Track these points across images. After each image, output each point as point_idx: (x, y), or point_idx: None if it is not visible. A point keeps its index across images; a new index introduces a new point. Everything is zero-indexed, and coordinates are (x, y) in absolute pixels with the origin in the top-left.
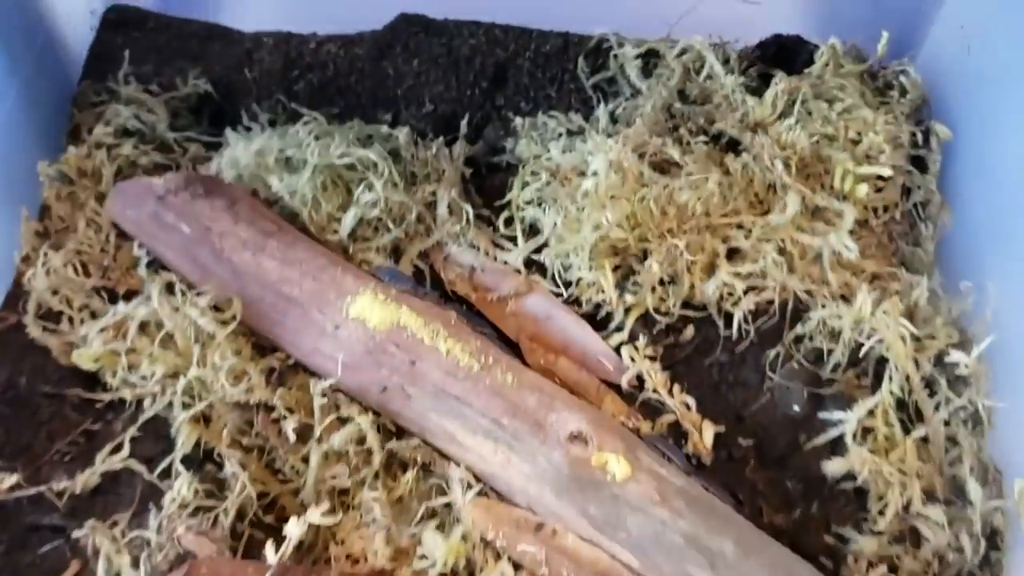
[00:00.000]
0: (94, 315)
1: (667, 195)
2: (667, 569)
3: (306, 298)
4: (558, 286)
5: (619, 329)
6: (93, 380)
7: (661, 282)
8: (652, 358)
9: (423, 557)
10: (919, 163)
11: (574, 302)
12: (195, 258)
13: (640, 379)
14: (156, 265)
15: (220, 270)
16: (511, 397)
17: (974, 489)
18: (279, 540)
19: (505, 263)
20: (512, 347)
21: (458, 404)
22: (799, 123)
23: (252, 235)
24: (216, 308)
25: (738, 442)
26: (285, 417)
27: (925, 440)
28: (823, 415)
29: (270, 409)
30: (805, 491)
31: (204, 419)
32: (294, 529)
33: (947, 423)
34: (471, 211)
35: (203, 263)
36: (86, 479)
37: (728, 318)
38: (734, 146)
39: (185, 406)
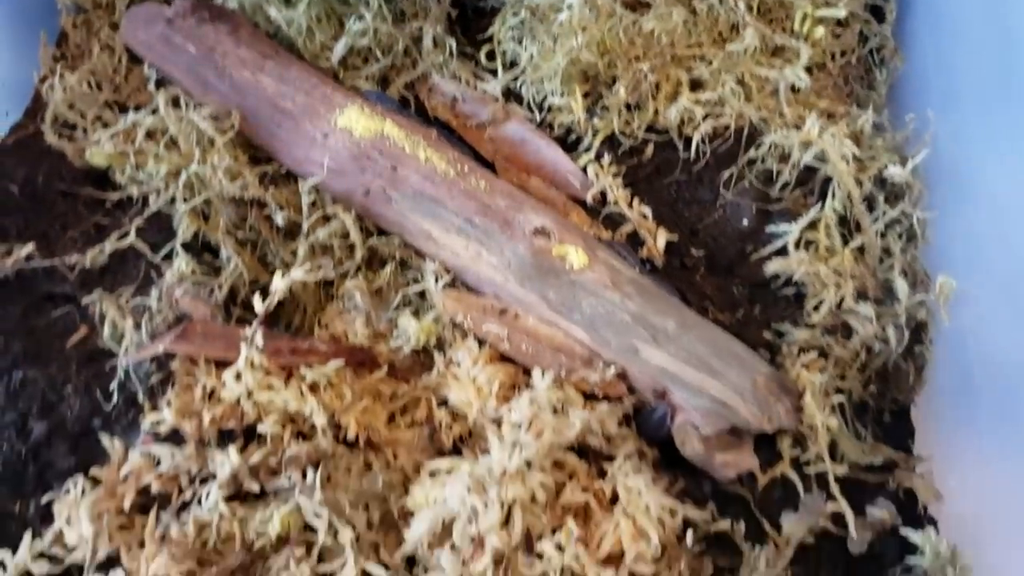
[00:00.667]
0: (106, 125)
1: (636, 27)
2: (615, 343)
3: (299, 111)
4: (532, 112)
5: (587, 150)
6: (104, 181)
7: (627, 107)
8: (615, 176)
9: (398, 338)
10: (877, 13)
11: (547, 126)
12: (200, 76)
13: (603, 195)
14: (165, 83)
15: (222, 86)
16: (483, 199)
17: (901, 287)
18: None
19: (485, 92)
20: (489, 167)
21: (434, 205)
22: None
23: (252, 56)
24: (217, 119)
25: (691, 252)
26: (276, 211)
27: (862, 250)
28: (770, 228)
29: (262, 205)
30: (750, 295)
31: (203, 216)
32: (279, 283)
33: (883, 235)
34: (454, 44)
35: (207, 80)
36: (95, 255)
37: (687, 141)
38: None
39: (186, 200)
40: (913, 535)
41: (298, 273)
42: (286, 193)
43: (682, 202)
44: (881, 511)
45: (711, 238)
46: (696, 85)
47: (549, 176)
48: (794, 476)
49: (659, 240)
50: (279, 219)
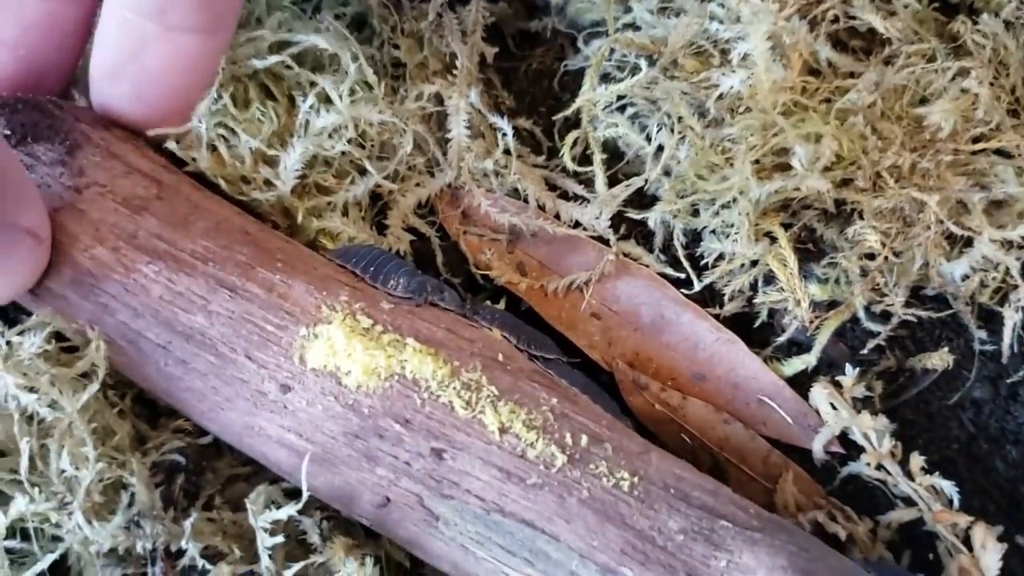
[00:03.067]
0: None
1: (882, 101)
2: None
3: (222, 333)
4: (676, 267)
5: (800, 347)
6: None
7: (871, 258)
8: (864, 400)
9: None
10: None
11: (709, 296)
12: None
13: (845, 440)
14: None
15: (56, 282)
16: (634, 519)
17: None
18: None
19: (576, 224)
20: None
21: (531, 534)
22: None
23: (109, 210)
24: (66, 348)
25: (1015, 543)
26: (206, 571)
27: None
28: None
29: (176, 556)
30: None
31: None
32: None
33: None
34: (509, 128)
35: None
36: None
37: (989, 320)
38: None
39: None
40: None
41: None
42: (224, 515)
43: (987, 441)
44: None
45: None
46: (996, 208)
47: (725, 397)
48: None
49: (985, 553)
50: None
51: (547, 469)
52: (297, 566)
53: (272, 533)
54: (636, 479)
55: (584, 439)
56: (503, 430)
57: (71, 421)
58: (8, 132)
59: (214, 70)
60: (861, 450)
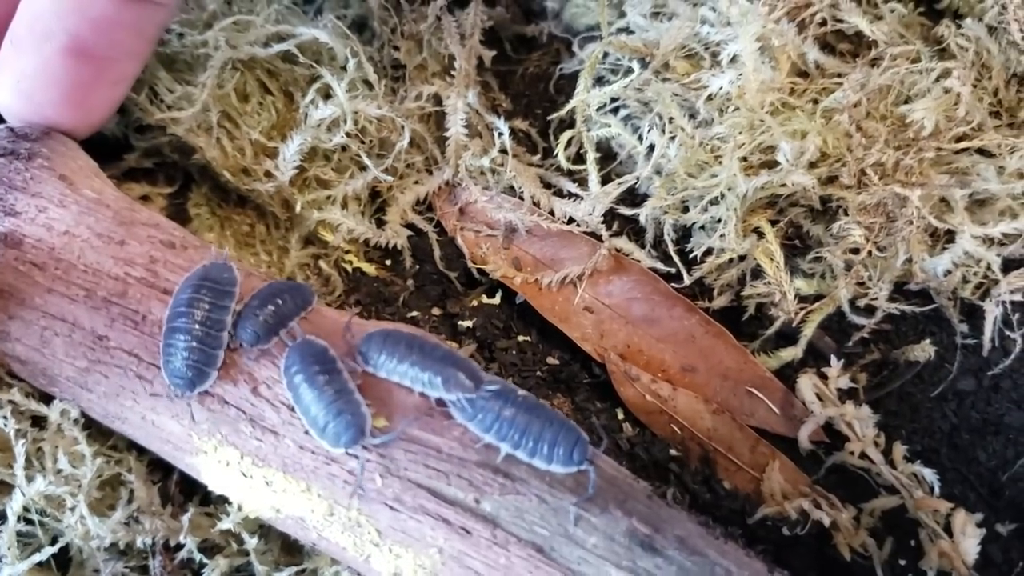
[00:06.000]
0: None
1: (866, 100)
2: None
3: None
4: (667, 262)
5: (787, 339)
6: None
7: (855, 252)
8: (849, 391)
9: None
10: None
11: (699, 290)
12: None
13: (830, 430)
14: None
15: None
16: None
17: None
18: None
19: (570, 221)
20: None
21: None
22: None
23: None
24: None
25: (995, 530)
26: (204, 563)
27: None
28: None
29: (175, 549)
30: None
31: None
32: None
33: None
34: (505, 128)
35: None
36: None
37: (971, 314)
38: (944, 8)
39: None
40: None
41: None
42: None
43: (969, 432)
44: None
45: None
46: (979, 207)
47: (713, 388)
48: None
49: (963, 539)
50: None
51: None
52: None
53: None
54: None
55: None
56: None
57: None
58: None
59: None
60: (846, 440)
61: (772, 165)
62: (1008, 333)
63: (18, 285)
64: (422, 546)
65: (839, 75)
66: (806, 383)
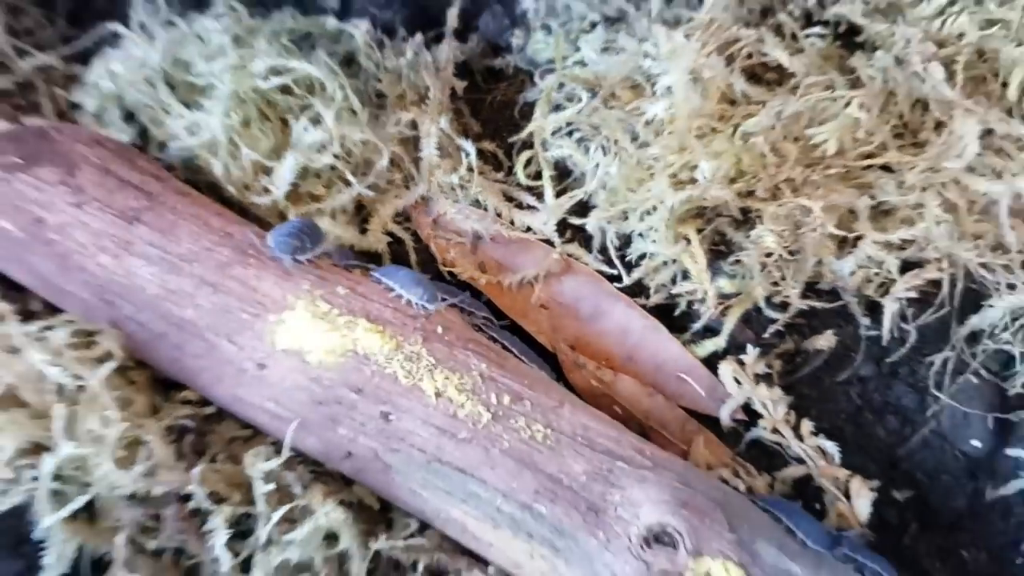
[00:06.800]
0: None
1: (781, 125)
2: None
3: (207, 321)
4: (610, 265)
5: (711, 331)
6: None
7: (769, 255)
8: (764, 376)
9: None
10: None
11: (637, 290)
12: (32, 269)
13: (748, 411)
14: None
15: (72, 285)
16: (546, 464)
17: None
18: None
19: (528, 229)
20: (542, 357)
21: (463, 479)
22: (961, 5)
23: (108, 222)
24: (88, 339)
25: (891, 496)
26: (210, 511)
27: None
28: (1014, 452)
29: (185, 499)
30: (989, 563)
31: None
32: None
33: None
34: (472, 149)
35: (45, 276)
36: None
37: (873, 309)
38: (863, 42)
39: (56, 496)
40: None
41: None
42: (224, 465)
43: (870, 412)
44: None
45: (922, 471)
46: (882, 216)
47: (649, 374)
48: None
49: (858, 499)
50: (219, 526)
51: (475, 426)
52: (284, 508)
53: (266, 481)
54: (549, 431)
55: (507, 398)
56: (438, 394)
57: (95, 392)
58: (20, 160)
59: None
60: (761, 417)
61: (695, 181)
62: (904, 326)
63: None
64: (466, 370)
65: (763, 102)
66: (727, 369)
